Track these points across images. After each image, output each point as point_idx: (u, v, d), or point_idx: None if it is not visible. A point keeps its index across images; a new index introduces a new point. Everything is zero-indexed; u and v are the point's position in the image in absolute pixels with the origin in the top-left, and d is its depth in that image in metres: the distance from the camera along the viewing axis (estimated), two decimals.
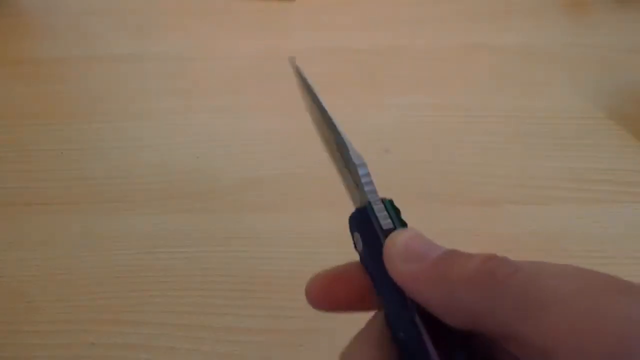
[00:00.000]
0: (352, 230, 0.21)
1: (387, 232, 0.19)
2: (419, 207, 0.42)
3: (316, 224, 0.41)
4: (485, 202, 0.42)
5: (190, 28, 0.59)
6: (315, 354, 0.35)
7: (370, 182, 0.22)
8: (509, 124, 0.48)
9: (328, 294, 0.21)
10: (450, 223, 0.41)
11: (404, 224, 0.20)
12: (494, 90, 0.51)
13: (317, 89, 0.28)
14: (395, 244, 0.19)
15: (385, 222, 0.20)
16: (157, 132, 0.48)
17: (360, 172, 0.22)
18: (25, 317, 0.37)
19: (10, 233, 0.41)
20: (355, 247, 0.21)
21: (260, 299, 0.37)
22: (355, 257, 0.21)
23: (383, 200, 0.21)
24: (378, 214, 0.20)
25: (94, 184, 0.44)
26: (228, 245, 0.40)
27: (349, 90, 0.51)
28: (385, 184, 0.44)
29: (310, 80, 0.28)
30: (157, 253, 0.40)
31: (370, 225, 0.20)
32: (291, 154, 0.46)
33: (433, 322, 0.17)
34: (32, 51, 0.57)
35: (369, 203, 0.21)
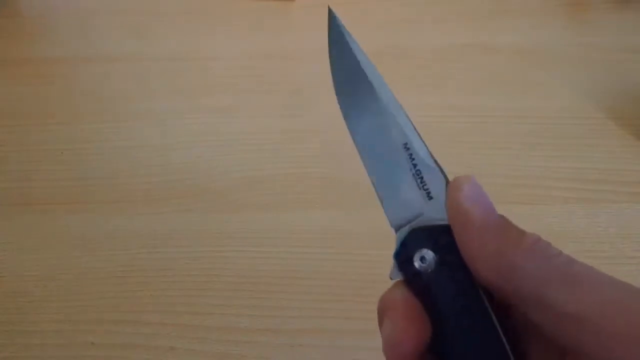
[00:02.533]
0: (415, 248, 0.19)
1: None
2: None
3: (316, 223, 0.41)
4: None
5: (190, 28, 0.59)
6: (315, 354, 0.35)
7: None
8: (509, 124, 0.48)
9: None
10: None
11: None
12: (493, 90, 0.51)
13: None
14: (462, 188, 0.19)
15: None
16: (157, 132, 0.48)
17: (442, 183, 0.21)
18: (25, 317, 0.37)
19: (10, 233, 0.41)
20: (404, 269, 0.19)
21: (260, 299, 0.37)
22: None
23: None
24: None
25: (94, 184, 0.44)
26: (228, 245, 0.40)
27: None
28: None
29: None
30: (157, 253, 0.40)
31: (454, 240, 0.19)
32: (291, 153, 0.46)
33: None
34: (32, 51, 0.57)
35: (447, 225, 0.19)
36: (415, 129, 0.22)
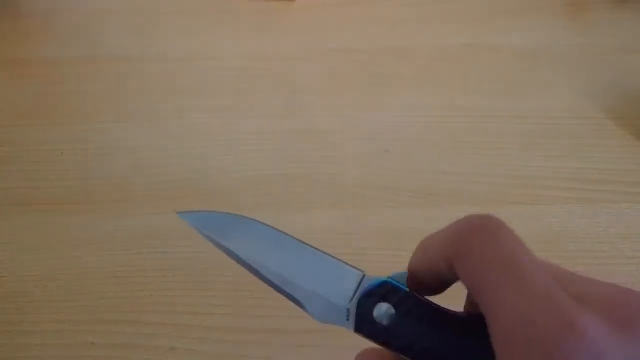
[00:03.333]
0: (368, 307, 0.21)
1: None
2: (419, 207, 0.42)
3: (316, 223, 0.41)
4: (485, 202, 0.42)
5: (190, 28, 0.59)
6: (315, 354, 0.35)
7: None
8: (509, 124, 0.48)
9: None
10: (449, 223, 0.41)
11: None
12: (493, 90, 0.51)
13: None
14: None
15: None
16: (157, 132, 0.48)
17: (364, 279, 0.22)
18: (25, 317, 0.37)
19: (11, 233, 0.41)
20: (362, 330, 0.21)
21: (260, 299, 0.37)
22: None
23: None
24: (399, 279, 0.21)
25: (94, 184, 0.44)
26: None
27: (349, 90, 0.52)
28: (385, 184, 0.44)
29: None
30: (157, 253, 0.40)
31: (399, 289, 0.20)
32: (290, 154, 0.46)
33: None
34: (32, 51, 0.57)
35: (389, 277, 0.21)
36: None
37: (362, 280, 0.21)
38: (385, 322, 0.20)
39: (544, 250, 0.39)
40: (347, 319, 0.21)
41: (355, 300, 0.21)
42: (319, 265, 0.23)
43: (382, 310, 0.20)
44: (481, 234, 0.18)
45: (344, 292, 0.21)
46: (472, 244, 0.18)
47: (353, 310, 0.21)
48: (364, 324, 0.20)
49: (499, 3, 0.61)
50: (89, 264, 0.39)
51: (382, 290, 0.20)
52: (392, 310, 0.20)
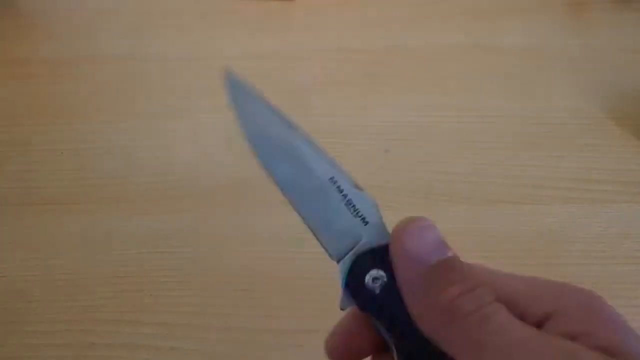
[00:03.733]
0: (365, 271, 0.20)
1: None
2: (419, 207, 0.42)
3: None
4: (485, 202, 0.42)
5: (190, 28, 0.59)
6: (315, 354, 0.34)
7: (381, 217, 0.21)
8: (509, 124, 0.48)
9: (350, 350, 0.21)
10: (450, 223, 0.41)
11: None
12: (493, 90, 0.51)
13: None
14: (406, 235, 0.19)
15: None
16: (156, 132, 0.48)
17: (374, 206, 0.21)
18: (25, 317, 0.37)
19: (11, 233, 0.41)
20: (356, 295, 0.20)
21: (260, 299, 0.37)
22: None
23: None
24: None
25: (94, 184, 0.44)
26: (228, 245, 0.40)
27: (349, 90, 0.51)
28: (385, 184, 0.44)
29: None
30: (157, 253, 0.40)
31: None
32: None
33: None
34: (32, 51, 0.57)
35: (388, 244, 0.20)
36: (334, 160, 0.23)
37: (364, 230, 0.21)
38: (377, 290, 0.19)
39: (544, 250, 0.39)
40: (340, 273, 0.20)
41: (349, 258, 0.20)
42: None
43: (375, 277, 0.20)
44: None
45: (343, 240, 0.21)
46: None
47: (345, 268, 0.20)
48: (354, 286, 0.20)
49: (499, 3, 0.61)
50: (88, 264, 0.39)
51: (379, 255, 0.20)
52: (386, 279, 0.19)
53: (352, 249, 0.21)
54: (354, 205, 0.21)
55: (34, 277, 0.39)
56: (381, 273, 0.19)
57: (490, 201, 0.42)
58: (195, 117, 0.49)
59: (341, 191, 0.22)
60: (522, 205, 0.42)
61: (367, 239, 0.21)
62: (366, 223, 0.21)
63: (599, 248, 0.39)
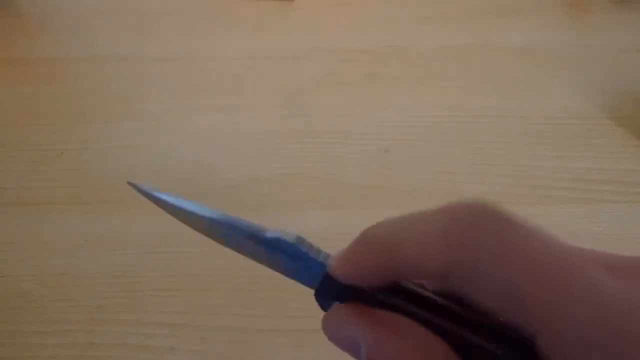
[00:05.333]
0: (330, 302, 0.18)
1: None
2: (418, 207, 0.42)
3: (316, 223, 0.41)
4: None
5: (190, 28, 0.59)
6: (315, 354, 0.35)
7: (316, 247, 0.20)
8: (509, 124, 0.48)
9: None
10: None
11: None
12: (493, 90, 0.51)
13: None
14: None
15: None
16: (156, 132, 0.48)
17: (303, 243, 0.20)
18: (25, 317, 0.37)
19: (11, 233, 0.41)
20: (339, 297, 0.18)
21: (260, 299, 0.37)
22: None
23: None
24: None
25: (94, 184, 0.44)
26: None
27: (349, 90, 0.51)
28: (385, 184, 0.44)
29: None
30: (157, 253, 0.40)
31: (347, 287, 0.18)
32: (290, 154, 0.46)
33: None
34: (32, 51, 0.57)
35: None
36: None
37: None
38: None
39: None
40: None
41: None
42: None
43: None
44: (490, 227, 0.15)
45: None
46: (484, 242, 0.14)
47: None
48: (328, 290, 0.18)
49: (500, 3, 0.61)
50: (88, 264, 0.39)
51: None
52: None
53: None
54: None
55: (33, 277, 0.39)
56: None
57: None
58: (195, 117, 0.49)
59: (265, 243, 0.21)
60: (522, 205, 0.42)
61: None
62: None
63: (599, 248, 0.39)
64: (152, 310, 0.37)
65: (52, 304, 0.37)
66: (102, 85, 0.53)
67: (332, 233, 0.40)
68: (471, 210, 0.15)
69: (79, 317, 0.36)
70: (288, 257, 0.20)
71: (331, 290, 0.18)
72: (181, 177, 0.44)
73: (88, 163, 0.46)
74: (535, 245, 0.14)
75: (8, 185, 0.44)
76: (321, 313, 0.21)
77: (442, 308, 0.16)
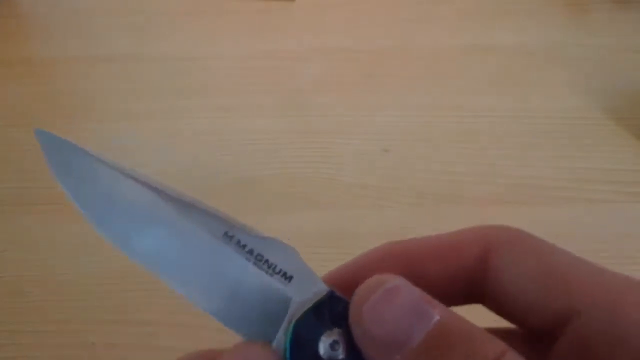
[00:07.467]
0: (314, 340, 0.15)
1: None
2: (418, 207, 0.42)
3: (316, 223, 0.41)
4: (485, 202, 0.42)
5: (190, 28, 0.59)
6: None
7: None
8: (509, 124, 0.48)
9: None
10: (450, 223, 0.40)
11: None
12: (493, 90, 0.51)
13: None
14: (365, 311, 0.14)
15: None
16: (156, 132, 0.48)
17: (295, 256, 0.16)
18: (25, 317, 0.37)
19: (11, 233, 0.41)
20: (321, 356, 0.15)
21: None
22: None
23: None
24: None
25: None
26: None
27: (349, 90, 0.51)
28: (385, 184, 0.44)
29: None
30: None
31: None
32: (291, 154, 0.46)
33: None
34: (32, 51, 0.57)
35: (330, 291, 0.15)
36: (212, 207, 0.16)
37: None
38: (341, 356, 0.14)
39: None
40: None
41: (285, 332, 0.15)
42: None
43: (332, 342, 0.14)
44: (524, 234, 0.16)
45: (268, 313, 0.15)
46: (521, 233, 0.16)
47: (284, 347, 0.15)
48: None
49: (500, 3, 0.61)
50: (88, 264, 0.39)
51: (325, 311, 0.15)
52: (346, 338, 0.14)
53: (282, 318, 0.15)
54: (266, 260, 0.16)
55: (33, 277, 0.39)
56: (337, 331, 0.15)
57: (490, 201, 0.42)
58: (195, 117, 0.49)
59: (243, 246, 0.16)
60: (522, 205, 0.42)
61: (299, 298, 0.15)
62: (289, 278, 0.16)
63: (599, 248, 0.39)
64: (152, 310, 0.37)
65: (52, 304, 0.37)
66: (102, 85, 0.53)
67: (331, 233, 0.40)
68: (493, 225, 0.16)
69: (79, 317, 0.36)
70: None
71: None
72: (180, 177, 0.44)
73: None
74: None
75: (8, 185, 0.44)
76: None
77: None
